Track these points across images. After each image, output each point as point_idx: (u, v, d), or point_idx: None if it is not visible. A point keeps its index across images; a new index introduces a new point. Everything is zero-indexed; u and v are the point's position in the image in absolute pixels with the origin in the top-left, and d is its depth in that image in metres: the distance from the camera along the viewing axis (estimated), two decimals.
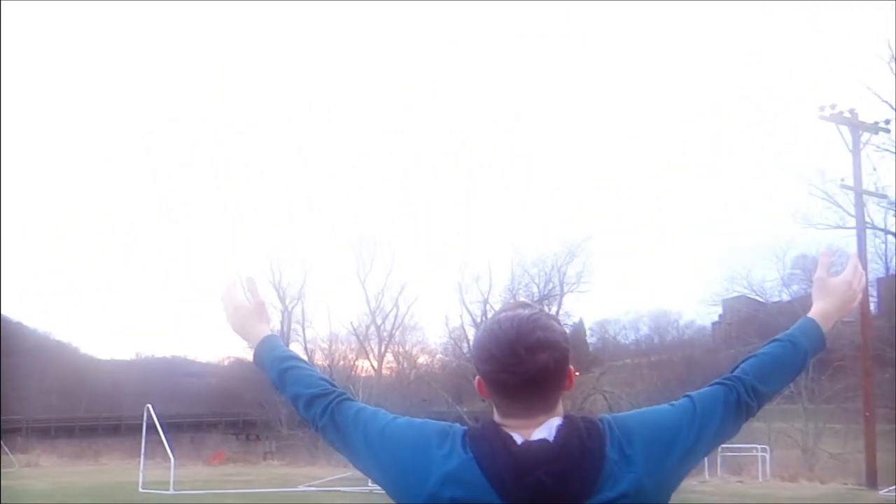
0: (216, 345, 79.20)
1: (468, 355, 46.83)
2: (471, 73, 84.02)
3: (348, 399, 1.85)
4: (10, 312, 66.03)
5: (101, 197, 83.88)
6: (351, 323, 52.80)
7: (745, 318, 45.80)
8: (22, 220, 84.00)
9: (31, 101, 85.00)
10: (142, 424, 23.77)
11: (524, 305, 1.71)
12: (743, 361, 1.88)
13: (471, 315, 50.03)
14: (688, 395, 1.81)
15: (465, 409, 43.05)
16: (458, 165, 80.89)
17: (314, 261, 52.64)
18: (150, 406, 23.22)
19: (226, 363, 70.89)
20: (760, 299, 44.81)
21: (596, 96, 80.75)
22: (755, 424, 24.09)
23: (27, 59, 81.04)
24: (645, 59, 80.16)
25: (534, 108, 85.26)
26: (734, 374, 1.85)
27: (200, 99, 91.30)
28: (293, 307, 53.22)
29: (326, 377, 1.93)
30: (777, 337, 1.94)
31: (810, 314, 2.00)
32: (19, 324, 67.51)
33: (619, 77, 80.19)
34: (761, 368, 1.86)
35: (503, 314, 1.68)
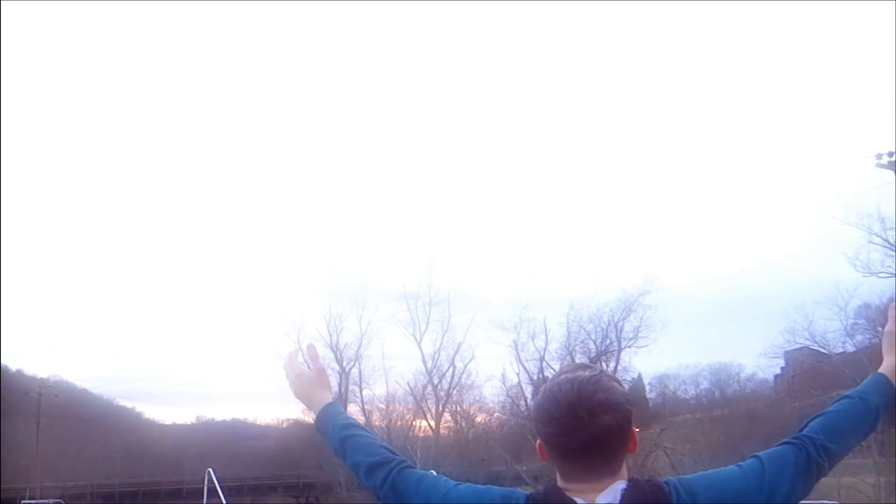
0: (275, 408, 79.74)
1: (526, 413, 46.50)
2: (529, 125, 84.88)
3: (409, 467, 1.87)
4: (75, 380, 67.77)
5: (158, 264, 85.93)
6: (408, 383, 52.85)
7: (809, 370, 44.68)
8: (84, 291, 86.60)
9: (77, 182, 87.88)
10: (203, 488, 24.05)
11: (584, 367, 1.70)
12: (812, 420, 1.83)
13: (528, 373, 49.72)
14: (756, 456, 1.75)
15: (524, 468, 42.51)
16: (511, 224, 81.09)
17: (371, 321, 52.63)
18: (210, 470, 23.51)
19: (284, 426, 71.36)
20: (824, 350, 43.68)
21: (650, 148, 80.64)
22: (824, 479, 23.41)
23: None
24: (701, 108, 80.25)
25: (585, 168, 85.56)
26: (803, 433, 1.79)
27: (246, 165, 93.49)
28: (350, 368, 53.57)
29: (387, 445, 1.97)
30: (847, 394, 1.90)
31: (881, 369, 1.94)
32: (84, 391, 69.19)
33: (673, 129, 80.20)
34: (832, 427, 1.80)
35: (563, 376, 1.68)
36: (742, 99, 79.54)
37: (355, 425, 2.03)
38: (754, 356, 50.30)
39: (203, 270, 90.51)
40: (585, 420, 1.60)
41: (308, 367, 2.17)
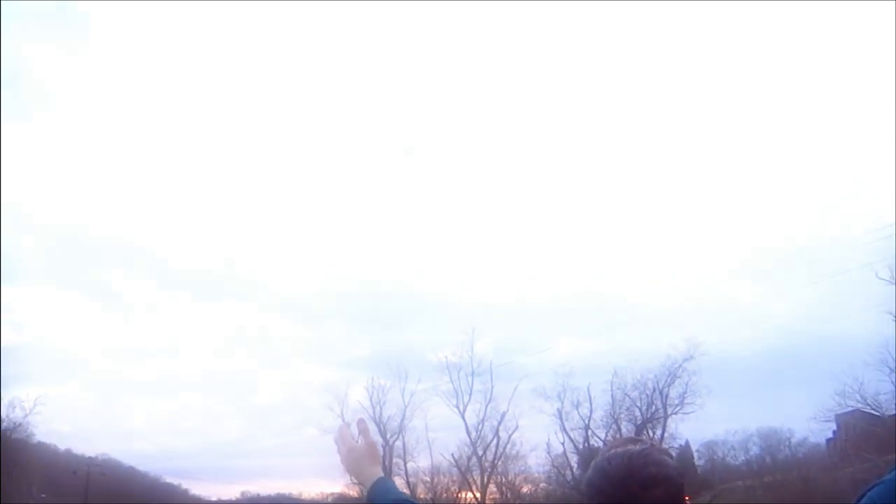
0: (320, 483, 79.34)
1: (572, 483, 45.92)
2: (567, 184, 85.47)
3: None
4: (122, 457, 68.32)
5: (199, 336, 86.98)
6: (452, 454, 52.56)
7: (862, 433, 43.67)
8: (129, 368, 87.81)
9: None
10: None
11: (633, 440, 1.73)
12: (869, 489, 1.79)
13: (573, 442, 49.30)
14: None
15: None
16: (552, 292, 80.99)
17: (413, 393, 52.74)
18: None
19: (329, 500, 70.86)
20: (876, 413, 42.78)
21: (687, 210, 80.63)
22: None
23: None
24: (744, 164, 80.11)
25: (621, 233, 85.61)
26: (861, 503, 1.77)
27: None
28: (394, 441, 53.44)
29: None
30: None
31: None
32: (131, 468, 69.70)
33: (718, 189, 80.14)
34: (890, 496, 1.76)
35: (613, 451, 1.69)
36: (789, 161, 79.28)
37: (407, 500, 2.07)
38: (805, 420, 49.31)
39: (243, 344, 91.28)
40: (638, 494, 1.62)
41: (358, 441, 2.23)
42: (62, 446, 62.60)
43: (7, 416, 49.56)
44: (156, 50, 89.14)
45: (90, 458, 58.48)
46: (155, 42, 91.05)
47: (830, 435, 53.48)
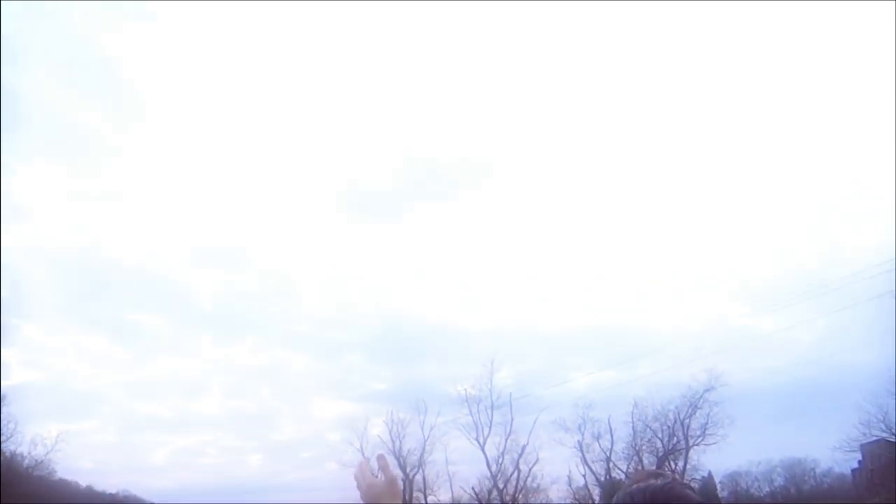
0: None
1: None
2: (582, 225, 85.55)
3: None
4: (143, 494, 68.28)
5: (217, 374, 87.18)
6: (472, 488, 52.27)
7: (887, 463, 43.18)
8: (150, 405, 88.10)
9: None
10: None
11: (655, 474, 1.74)
12: None
13: (594, 474, 48.93)
14: None
15: None
16: (570, 324, 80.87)
17: (433, 426, 52.63)
18: None
19: None
20: None
21: (701, 242, 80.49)
22: None
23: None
24: (753, 201, 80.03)
25: (638, 267, 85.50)
26: None
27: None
28: (414, 475, 53.23)
29: None
30: None
31: None
32: None
33: (728, 218, 80.00)
34: None
35: (635, 485, 1.68)
36: (809, 190, 79.18)
37: None
38: (829, 450, 48.83)
39: (263, 380, 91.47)
40: None
41: (378, 476, 2.22)
42: (84, 483, 62.67)
43: (29, 453, 49.92)
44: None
45: (112, 494, 58.67)
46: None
47: (856, 465, 52.82)
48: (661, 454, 47.89)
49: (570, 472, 51.14)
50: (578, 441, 49.37)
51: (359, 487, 2.21)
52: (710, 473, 53.83)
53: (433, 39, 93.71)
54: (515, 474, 51.53)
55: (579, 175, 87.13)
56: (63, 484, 56.75)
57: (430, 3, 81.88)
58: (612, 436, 48.95)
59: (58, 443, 50.10)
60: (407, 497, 51.50)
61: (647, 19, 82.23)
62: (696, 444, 48.40)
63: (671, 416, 48.44)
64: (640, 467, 44.67)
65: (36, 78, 74.27)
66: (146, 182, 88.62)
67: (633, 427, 48.93)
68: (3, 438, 47.64)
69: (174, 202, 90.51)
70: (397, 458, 52.48)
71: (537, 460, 51.30)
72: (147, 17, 78.90)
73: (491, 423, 51.43)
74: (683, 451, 48.10)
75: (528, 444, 51.04)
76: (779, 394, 66.11)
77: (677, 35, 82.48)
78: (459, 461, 62.52)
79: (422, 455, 53.06)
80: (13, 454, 49.01)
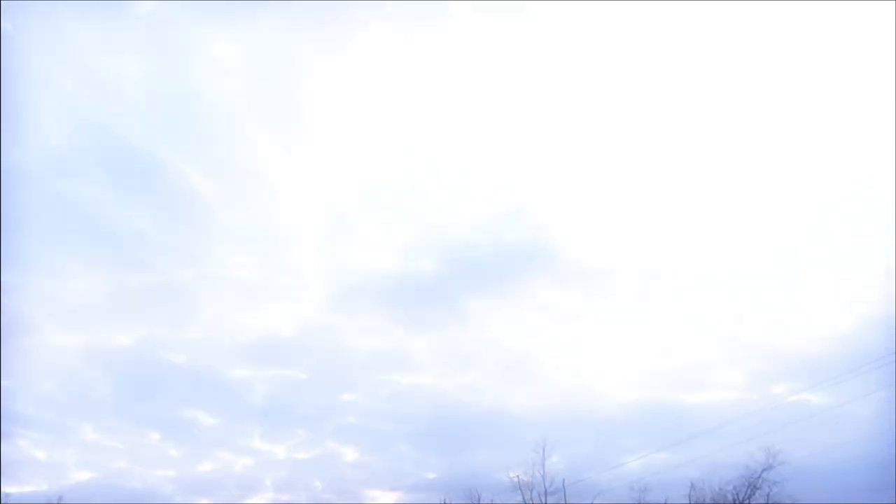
0: None
1: None
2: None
3: None
4: None
5: (275, 473, 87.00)
6: None
7: None
8: (208, 499, 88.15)
9: None
10: None
11: None
12: None
13: None
14: None
15: None
16: (622, 407, 79.96)
17: None
18: None
19: None
20: None
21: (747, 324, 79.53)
22: None
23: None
24: (801, 271, 79.30)
25: (684, 348, 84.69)
26: None
27: None
28: None
29: None
30: None
31: None
32: None
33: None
34: None
35: None
36: (863, 258, 78.36)
37: None
38: None
39: (314, 473, 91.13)
40: None
41: None
42: None
43: None
44: None
45: None
46: None
47: None
48: None
49: None
50: None
51: None
52: None
53: None
54: None
55: (622, 248, 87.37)
56: None
57: None
58: None
59: None
60: None
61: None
62: None
63: (730, 498, 47.51)
64: None
65: (87, 182, 77.44)
66: (196, 280, 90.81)
67: None
68: None
69: (223, 299, 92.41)
70: None
71: None
72: (191, 129, 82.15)
73: None
74: None
75: None
76: (840, 471, 64.18)
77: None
78: None
79: None
80: None
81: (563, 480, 50.76)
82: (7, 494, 49.59)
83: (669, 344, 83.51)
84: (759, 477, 46.72)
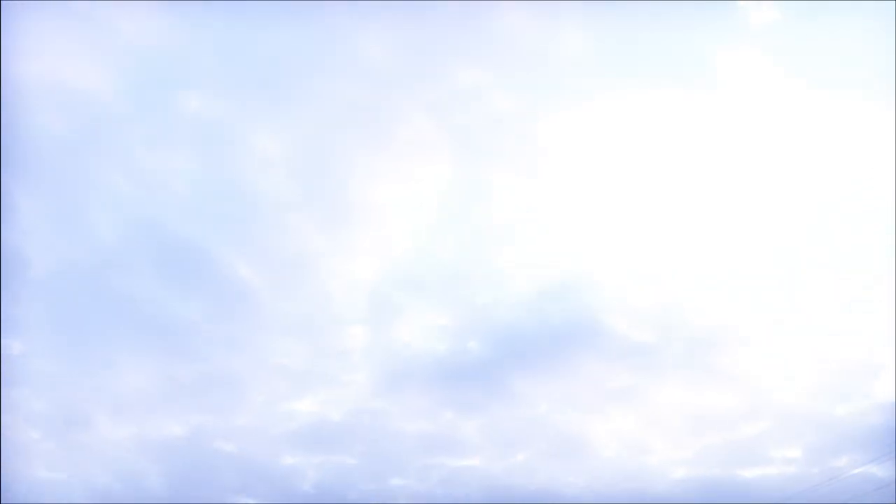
0: None
1: None
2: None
3: None
4: None
5: None
6: None
7: None
8: None
9: None
10: None
11: None
12: None
13: None
14: None
15: None
16: (675, 479, 77.88)
17: None
18: None
19: None
20: None
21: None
22: None
23: None
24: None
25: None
26: None
27: None
28: None
29: None
30: None
31: None
32: None
33: None
34: None
35: None
36: None
37: None
38: None
39: None
40: None
41: None
42: None
43: None
44: None
45: None
46: None
47: None
48: None
49: None
50: None
51: None
52: None
53: None
54: None
55: (669, 319, 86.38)
56: None
57: None
58: None
59: None
60: None
61: None
62: None
63: None
64: None
65: (139, 275, 79.32)
66: (245, 368, 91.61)
67: None
68: None
69: (272, 386, 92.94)
70: None
71: None
72: (238, 221, 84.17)
73: None
74: None
75: None
76: None
77: None
78: None
79: None
80: None
81: None
82: None
83: (723, 417, 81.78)
84: None
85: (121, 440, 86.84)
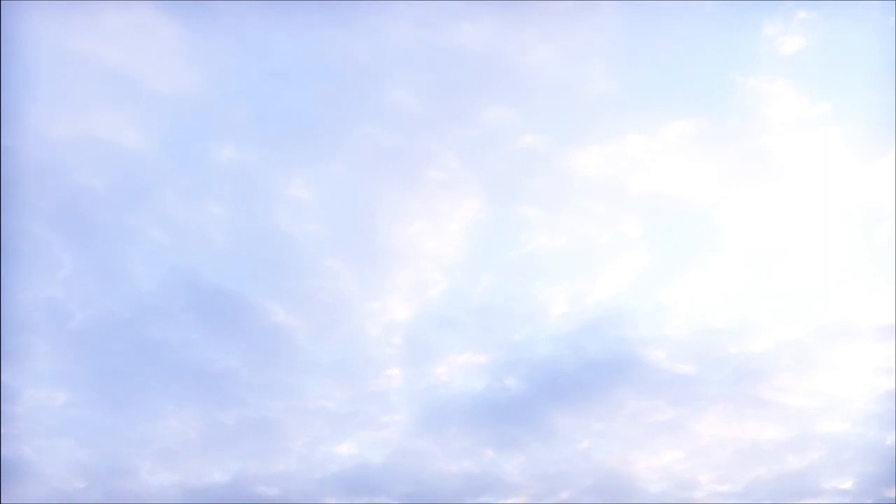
0: None
1: None
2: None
3: None
4: None
5: None
6: None
7: None
8: None
9: None
10: None
11: None
12: None
13: None
14: None
15: None
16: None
17: None
18: None
19: None
20: None
21: None
22: None
23: None
24: None
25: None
26: None
27: None
28: None
29: None
30: None
31: None
32: None
33: None
34: None
35: None
36: None
37: None
38: None
39: None
40: None
41: None
42: None
43: None
44: None
45: None
46: None
47: None
48: None
49: None
50: None
51: None
52: None
53: None
54: None
55: (708, 349, 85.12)
56: None
57: None
58: None
59: None
60: None
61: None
62: None
63: None
64: None
65: (178, 325, 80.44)
66: (285, 413, 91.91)
67: None
68: None
69: (313, 431, 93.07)
70: None
71: None
72: (274, 268, 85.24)
73: None
74: None
75: None
76: None
77: None
78: None
79: None
80: None
81: None
82: None
83: (771, 448, 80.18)
84: None
85: (164, 488, 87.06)
